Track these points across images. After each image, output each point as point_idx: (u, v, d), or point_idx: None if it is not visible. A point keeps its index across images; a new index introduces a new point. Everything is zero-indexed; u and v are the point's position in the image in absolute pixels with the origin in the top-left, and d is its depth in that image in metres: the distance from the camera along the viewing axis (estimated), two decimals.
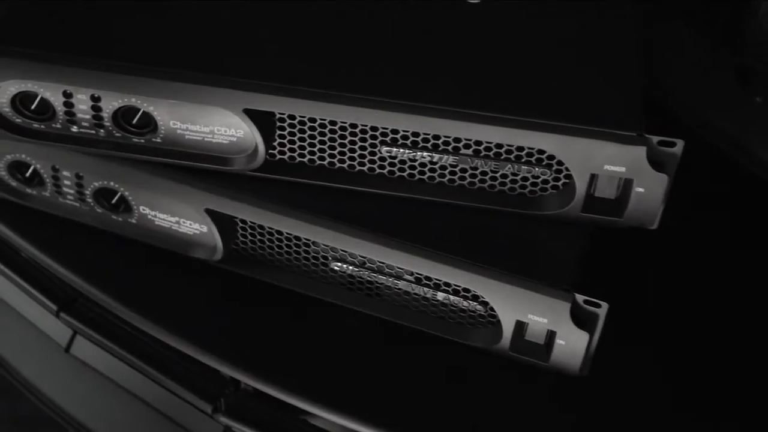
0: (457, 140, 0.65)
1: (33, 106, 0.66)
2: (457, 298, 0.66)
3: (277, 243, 0.69)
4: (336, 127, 0.65)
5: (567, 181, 0.65)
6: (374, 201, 0.67)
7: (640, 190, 0.63)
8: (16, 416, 1.03)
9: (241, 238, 0.70)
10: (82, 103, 0.66)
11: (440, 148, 0.65)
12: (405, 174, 0.67)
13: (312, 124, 0.65)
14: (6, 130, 0.67)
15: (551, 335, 0.65)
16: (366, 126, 0.65)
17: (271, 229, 0.68)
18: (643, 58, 0.67)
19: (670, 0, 0.89)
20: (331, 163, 0.67)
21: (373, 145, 0.66)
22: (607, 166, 0.63)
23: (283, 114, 0.65)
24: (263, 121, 0.65)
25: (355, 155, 0.66)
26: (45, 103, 0.66)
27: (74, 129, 0.67)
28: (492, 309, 0.66)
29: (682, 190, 0.65)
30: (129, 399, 0.74)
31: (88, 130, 0.67)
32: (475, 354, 0.67)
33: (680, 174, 0.63)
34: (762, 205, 0.81)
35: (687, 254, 0.77)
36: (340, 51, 0.67)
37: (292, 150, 0.67)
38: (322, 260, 0.69)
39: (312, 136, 0.66)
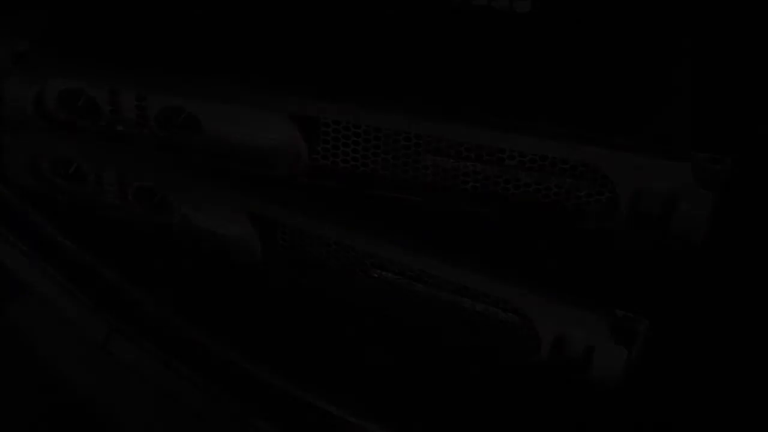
0: (501, 151, 0.65)
1: (78, 104, 0.67)
2: (496, 309, 0.66)
3: (317, 248, 0.69)
4: (380, 134, 0.65)
5: (611, 195, 0.65)
6: (416, 209, 0.67)
7: (685, 207, 0.63)
8: (51, 411, 1.04)
9: (282, 242, 0.70)
10: (128, 102, 0.66)
11: (484, 159, 0.65)
12: (448, 183, 0.67)
13: (357, 131, 0.65)
14: (51, 126, 0.67)
15: (589, 350, 0.64)
16: (410, 134, 0.65)
17: (312, 234, 0.68)
18: (694, 71, 0.67)
19: None
20: (374, 170, 0.67)
21: (417, 153, 0.66)
22: (652, 182, 0.63)
23: (328, 119, 0.65)
24: (308, 126, 0.65)
25: (399, 163, 0.66)
26: (90, 101, 0.66)
27: (119, 128, 0.67)
28: (530, 322, 0.65)
29: (734, 207, 0.64)
30: (164, 398, 0.74)
31: (133, 130, 0.67)
32: (512, 366, 0.67)
33: (732, 191, 0.63)
34: None
35: (734, 274, 0.76)
36: (387, 58, 0.67)
37: (335, 156, 0.67)
38: (362, 266, 0.69)
39: (356, 143, 0.66)
